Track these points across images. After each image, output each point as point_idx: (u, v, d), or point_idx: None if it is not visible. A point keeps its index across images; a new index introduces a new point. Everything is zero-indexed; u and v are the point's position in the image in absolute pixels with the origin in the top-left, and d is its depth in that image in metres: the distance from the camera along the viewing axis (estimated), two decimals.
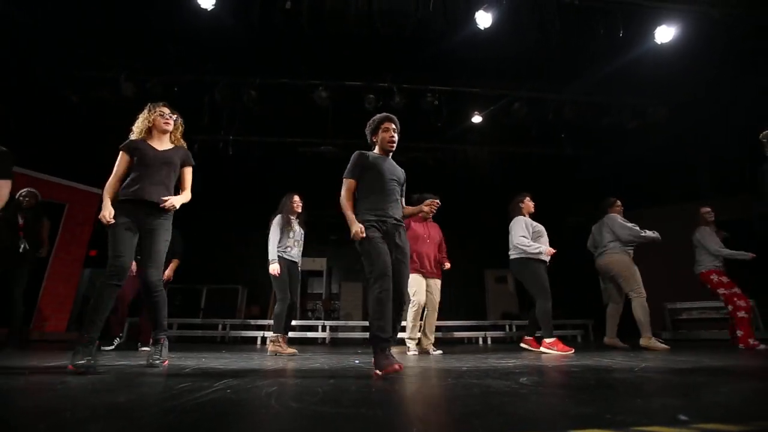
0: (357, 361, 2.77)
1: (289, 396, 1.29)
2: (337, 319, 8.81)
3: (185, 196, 2.48)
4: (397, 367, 1.84)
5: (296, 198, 4.00)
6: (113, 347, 4.00)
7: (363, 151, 2.37)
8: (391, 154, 2.45)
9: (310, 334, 6.82)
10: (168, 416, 0.99)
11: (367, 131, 2.50)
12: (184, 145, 2.58)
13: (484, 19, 4.73)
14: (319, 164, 7.80)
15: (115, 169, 2.36)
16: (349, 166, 2.34)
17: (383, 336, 1.95)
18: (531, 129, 7.20)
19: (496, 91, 6.48)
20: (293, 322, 5.06)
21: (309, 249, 9.95)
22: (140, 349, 3.96)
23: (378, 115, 2.46)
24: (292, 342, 6.12)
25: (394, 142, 2.38)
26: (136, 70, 5.85)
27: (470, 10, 4.77)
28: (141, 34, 5.34)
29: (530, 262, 3.84)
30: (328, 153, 7.51)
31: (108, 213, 2.22)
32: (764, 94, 5.53)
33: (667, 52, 5.08)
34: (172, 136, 2.53)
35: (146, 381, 1.64)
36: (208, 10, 4.62)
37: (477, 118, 6.79)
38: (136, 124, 2.47)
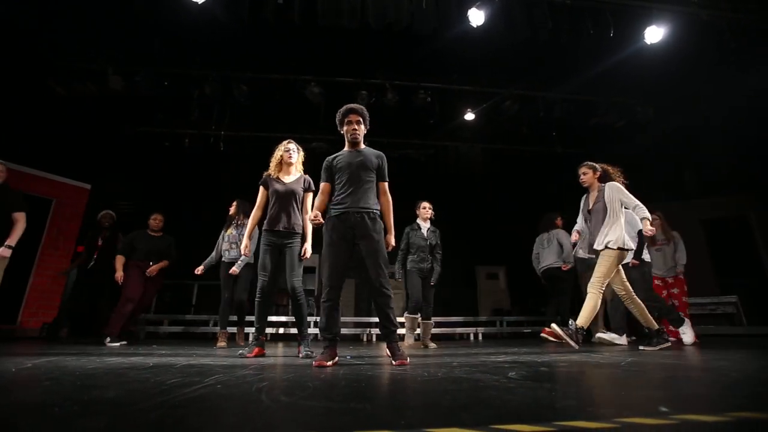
0: (348, 357, 2.79)
1: (279, 391, 1.29)
2: None
3: (308, 229, 2.99)
4: (315, 364, 2.06)
5: (234, 203, 4.47)
6: (118, 344, 3.90)
7: (330, 156, 2.51)
8: (359, 144, 2.49)
9: None
10: (157, 411, 0.99)
11: (337, 123, 2.53)
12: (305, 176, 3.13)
13: (476, 16, 4.75)
14: (311, 161, 7.75)
15: (257, 202, 3.00)
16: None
17: (327, 336, 2.28)
18: (522, 127, 7.25)
19: (488, 88, 6.51)
20: (277, 318, 5.29)
21: None
22: (107, 343, 3.85)
23: (343, 107, 2.50)
24: (287, 338, 6.12)
25: (355, 133, 2.45)
26: (124, 62, 5.75)
27: (463, 7, 4.79)
28: (130, 27, 5.24)
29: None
30: (320, 149, 7.47)
31: (246, 248, 3.08)
32: (751, 94, 5.63)
33: (656, 52, 5.15)
34: (297, 165, 3.12)
35: (136, 377, 1.63)
36: (198, 3, 4.56)
37: (469, 116, 6.82)
38: (271, 163, 3.06)
